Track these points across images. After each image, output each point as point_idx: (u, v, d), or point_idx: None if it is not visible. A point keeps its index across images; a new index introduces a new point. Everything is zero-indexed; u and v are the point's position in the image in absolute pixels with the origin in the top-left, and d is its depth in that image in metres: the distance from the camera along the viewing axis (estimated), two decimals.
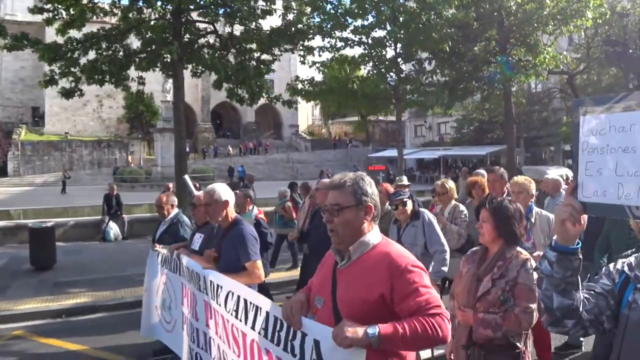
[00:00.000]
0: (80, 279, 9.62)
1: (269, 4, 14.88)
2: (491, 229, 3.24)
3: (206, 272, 3.64)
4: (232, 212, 4.23)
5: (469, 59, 18.94)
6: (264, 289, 6.72)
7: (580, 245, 1.73)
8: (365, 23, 17.51)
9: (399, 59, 17.75)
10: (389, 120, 64.23)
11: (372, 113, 20.10)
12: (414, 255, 4.75)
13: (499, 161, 47.17)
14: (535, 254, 4.19)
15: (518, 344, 3.12)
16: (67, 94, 14.24)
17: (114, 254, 12.66)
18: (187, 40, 13.94)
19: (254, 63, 15.61)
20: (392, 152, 51.30)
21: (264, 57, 15.89)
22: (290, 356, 2.35)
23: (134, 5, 13.98)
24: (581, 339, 5.49)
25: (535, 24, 17.18)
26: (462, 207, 6.27)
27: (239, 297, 2.99)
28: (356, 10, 15.93)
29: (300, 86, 17.74)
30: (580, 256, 1.74)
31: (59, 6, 13.63)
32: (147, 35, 14.26)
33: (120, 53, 14.35)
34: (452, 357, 3.52)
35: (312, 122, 72.36)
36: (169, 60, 14.22)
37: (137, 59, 14.40)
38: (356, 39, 17.45)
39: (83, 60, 14.09)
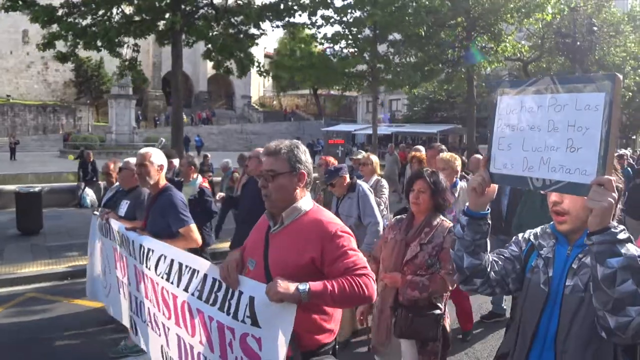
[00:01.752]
0: (72, 243, 9.75)
1: None
2: (427, 198, 3.50)
3: (138, 237, 3.64)
4: (163, 179, 4.24)
5: (437, 43, 20.57)
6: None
7: (489, 211, 1.95)
8: (345, 3, 18.72)
9: (374, 40, 19.11)
10: (340, 95, 65.78)
11: (347, 89, 21.28)
12: (349, 226, 5.09)
13: (447, 139, 50.07)
14: None
15: (439, 305, 3.42)
16: (63, 58, 14.72)
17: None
18: (187, 11, 14.65)
19: (242, 36, 16.56)
20: (345, 127, 53.01)
21: (252, 31, 16.84)
22: (224, 315, 2.42)
23: None
24: (504, 306, 6.16)
25: (501, 15, 18.91)
26: (383, 181, 6.68)
27: (172, 260, 3.03)
28: None
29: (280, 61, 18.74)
30: (489, 221, 1.96)
31: None
32: (145, 3, 14.83)
33: (116, 19, 14.88)
34: (361, 318, 3.81)
35: (263, 94, 72.73)
36: (161, 28, 14.96)
37: (132, 27, 14.99)
38: (337, 18, 18.64)
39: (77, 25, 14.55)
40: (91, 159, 16.37)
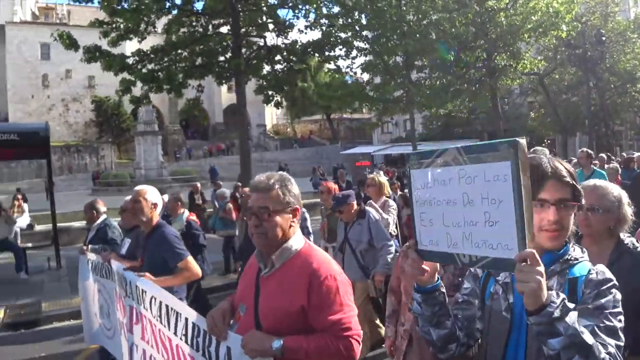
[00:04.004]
0: None
1: (307, 19, 18.05)
2: None
3: (134, 278, 3.67)
4: (156, 217, 4.28)
5: (461, 65, 22.76)
6: (201, 294, 7.05)
7: (439, 281, 1.90)
8: (376, 34, 20.96)
9: (406, 67, 21.32)
10: (353, 117, 68.22)
11: (382, 114, 23.44)
12: (359, 251, 5.63)
13: None
14: None
15: None
16: (137, 101, 16.97)
17: None
18: (247, 53, 16.90)
19: (288, 72, 18.80)
20: (362, 149, 55.22)
21: (297, 66, 19.07)
22: None
23: (193, 22, 16.83)
24: None
25: (519, 35, 21.10)
26: (391, 202, 6.89)
27: (160, 302, 3.09)
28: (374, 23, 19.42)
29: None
30: (443, 289, 1.92)
31: (119, 20, 16.15)
32: (206, 48, 17.10)
33: (182, 64, 17.15)
34: (392, 349, 3.84)
35: (276, 122, 75.26)
36: (219, 70, 17.19)
37: (194, 70, 17.24)
38: (369, 49, 20.89)
39: (144, 71, 16.80)
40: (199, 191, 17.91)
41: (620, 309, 1.65)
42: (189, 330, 2.65)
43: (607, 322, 1.60)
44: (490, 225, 1.55)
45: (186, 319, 2.70)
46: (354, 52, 20.81)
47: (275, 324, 2.23)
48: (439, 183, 1.71)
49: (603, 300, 1.63)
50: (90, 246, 5.50)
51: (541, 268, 1.44)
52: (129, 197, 5.06)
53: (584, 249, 1.83)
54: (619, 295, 1.67)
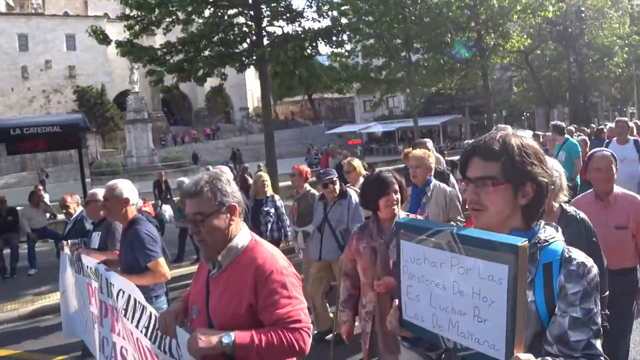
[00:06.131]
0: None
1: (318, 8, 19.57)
2: (400, 198, 3.67)
3: (105, 273, 3.73)
4: (131, 211, 4.26)
5: (452, 46, 24.70)
6: None
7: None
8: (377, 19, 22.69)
9: (406, 49, 23.17)
10: (334, 97, 69.95)
11: (386, 93, 25.27)
12: (339, 231, 5.73)
13: (447, 129, 54.57)
14: None
15: None
16: (167, 90, 18.38)
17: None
18: (269, 41, 18.35)
19: (299, 57, 20.36)
20: (348, 128, 57.09)
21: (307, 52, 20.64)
22: (162, 353, 2.59)
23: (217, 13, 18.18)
24: None
25: (508, 16, 23.08)
26: None
27: (129, 295, 3.16)
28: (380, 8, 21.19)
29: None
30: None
31: (142, 13, 17.37)
32: (228, 38, 18.43)
33: (205, 54, 18.46)
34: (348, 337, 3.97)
35: (258, 104, 76.48)
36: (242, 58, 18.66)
37: (217, 60, 18.62)
38: (371, 32, 22.63)
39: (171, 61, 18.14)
40: (163, 179, 19.29)
41: (597, 296, 1.64)
42: (151, 324, 2.75)
43: (593, 319, 1.60)
44: (478, 321, 1.49)
45: (150, 313, 2.81)
46: (357, 37, 22.54)
47: (226, 325, 2.25)
48: (430, 263, 1.62)
49: (590, 305, 1.60)
50: (70, 241, 5.42)
51: None
52: (95, 190, 5.26)
53: (558, 228, 1.76)
54: (597, 279, 1.64)
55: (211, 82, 19.62)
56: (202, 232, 2.33)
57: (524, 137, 1.72)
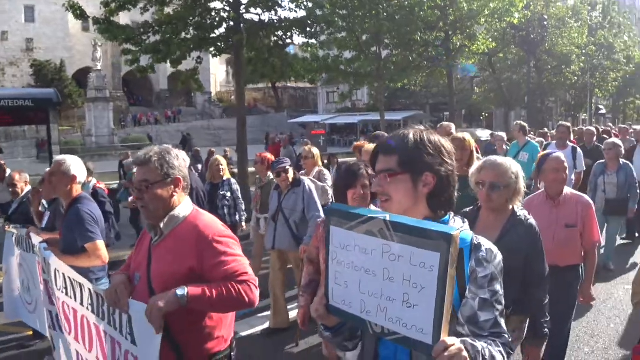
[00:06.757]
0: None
1: None
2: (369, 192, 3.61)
3: (44, 252, 3.65)
4: (76, 190, 4.15)
5: (421, 44, 25.54)
6: None
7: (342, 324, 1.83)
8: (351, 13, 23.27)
9: (377, 44, 23.86)
10: (297, 87, 70.31)
11: (355, 87, 25.98)
12: (292, 220, 5.77)
13: (408, 125, 55.43)
14: None
15: None
16: (143, 71, 18.48)
17: None
18: (246, 28, 18.64)
19: (273, 46, 20.78)
20: (310, 118, 57.57)
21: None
22: (112, 329, 2.58)
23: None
24: None
25: (476, 19, 24.05)
26: (325, 171, 6.98)
27: (63, 274, 3.16)
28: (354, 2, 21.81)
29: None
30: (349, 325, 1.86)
31: None
32: (204, 22, 18.62)
33: (180, 37, 18.57)
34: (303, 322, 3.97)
35: (220, 89, 76.08)
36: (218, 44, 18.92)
37: (192, 44, 18.81)
38: (344, 25, 23.18)
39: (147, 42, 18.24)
40: (130, 159, 18.93)
41: (501, 280, 1.75)
42: (94, 299, 2.74)
43: (498, 300, 1.73)
44: (407, 307, 1.53)
45: (89, 290, 2.79)
46: (330, 29, 23.06)
47: (165, 287, 2.35)
48: (360, 250, 1.65)
49: (497, 287, 1.72)
50: (12, 226, 5.28)
51: (460, 348, 1.47)
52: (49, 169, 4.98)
53: (465, 220, 1.86)
54: (501, 265, 1.76)
55: (185, 64, 19.76)
56: (146, 199, 2.50)
57: (427, 132, 1.84)
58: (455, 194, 1.84)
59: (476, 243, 1.74)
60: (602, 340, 5.58)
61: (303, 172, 7.23)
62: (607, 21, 43.66)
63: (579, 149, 8.75)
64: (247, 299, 2.39)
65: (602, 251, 7.79)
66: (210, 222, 2.57)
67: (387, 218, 1.59)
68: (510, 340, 1.77)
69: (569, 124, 9.37)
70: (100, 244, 4.01)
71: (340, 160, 11.53)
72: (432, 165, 1.77)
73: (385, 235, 1.58)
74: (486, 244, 1.76)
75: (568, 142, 8.79)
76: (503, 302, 1.76)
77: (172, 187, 2.54)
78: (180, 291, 2.28)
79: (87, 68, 55.27)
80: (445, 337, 1.48)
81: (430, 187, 1.77)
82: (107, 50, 56.68)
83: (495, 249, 1.76)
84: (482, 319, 1.70)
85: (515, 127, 9.70)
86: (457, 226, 1.78)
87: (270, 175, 7.02)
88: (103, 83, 44.25)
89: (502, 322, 1.74)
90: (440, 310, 1.48)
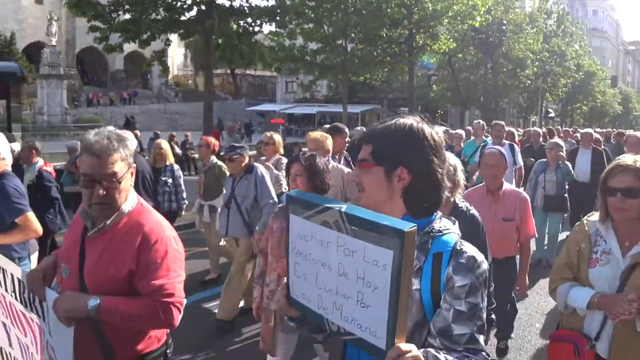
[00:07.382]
0: None
1: None
2: (305, 181, 3.63)
3: None
4: (0, 166, 3.95)
5: (385, 40, 26.31)
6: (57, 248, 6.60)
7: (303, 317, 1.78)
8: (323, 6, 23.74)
9: (344, 37, 24.47)
10: (256, 74, 70.32)
11: (319, 78, 26.53)
12: (244, 207, 5.70)
13: (365, 118, 56.76)
14: None
15: None
16: (111, 49, 18.43)
17: None
18: (217, 13, 18.79)
19: (242, 33, 21.05)
20: (269, 107, 57.81)
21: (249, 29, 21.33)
22: (36, 316, 2.43)
23: None
24: None
25: (440, 20, 24.95)
26: (284, 160, 6.83)
27: None
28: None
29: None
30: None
31: None
32: (176, 4, 18.67)
33: (153, 15, 18.49)
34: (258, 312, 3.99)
35: (177, 73, 75.18)
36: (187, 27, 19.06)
37: (161, 25, 18.85)
38: (313, 17, 23.64)
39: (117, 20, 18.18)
40: None
41: (484, 292, 1.62)
42: (16, 286, 2.55)
43: (477, 314, 1.59)
44: (361, 306, 1.44)
45: (12, 275, 2.57)
46: (299, 20, 23.50)
47: (101, 289, 2.18)
48: (317, 241, 1.55)
49: (476, 300, 1.58)
50: None
51: (417, 357, 1.39)
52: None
53: (455, 222, 1.74)
54: (485, 275, 1.63)
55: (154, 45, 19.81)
56: (110, 194, 2.21)
57: (419, 124, 1.72)
58: (444, 193, 1.73)
59: (459, 248, 1.63)
60: (550, 318, 6.22)
61: (263, 157, 7.19)
62: (561, 30, 46.05)
63: (516, 146, 9.29)
64: (165, 321, 2.23)
65: (545, 248, 8.40)
66: (157, 223, 2.34)
67: (343, 209, 1.49)
68: (488, 359, 1.65)
69: (502, 122, 9.73)
70: (31, 215, 3.86)
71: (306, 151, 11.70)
72: (409, 160, 1.66)
73: (340, 227, 1.49)
74: (470, 250, 1.64)
75: (505, 141, 9.08)
76: (484, 316, 1.63)
77: (130, 177, 2.31)
78: (92, 302, 2.11)
79: (38, 42, 53.62)
80: (400, 344, 1.39)
81: (404, 183, 1.66)
82: (61, 26, 55.12)
83: (480, 257, 1.64)
84: (456, 332, 1.56)
85: (478, 125, 10.27)
86: (443, 227, 1.68)
87: (214, 159, 7.05)
88: (57, 59, 42.84)
89: (481, 338, 1.61)
90: (394, 313, 1.38)
